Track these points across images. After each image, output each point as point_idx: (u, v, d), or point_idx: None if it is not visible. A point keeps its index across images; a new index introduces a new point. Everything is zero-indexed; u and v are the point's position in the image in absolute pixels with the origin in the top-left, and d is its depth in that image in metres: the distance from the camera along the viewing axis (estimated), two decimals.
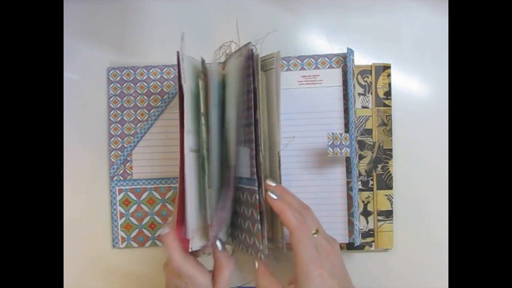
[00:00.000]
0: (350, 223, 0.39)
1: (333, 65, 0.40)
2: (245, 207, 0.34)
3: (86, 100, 0.43)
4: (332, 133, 0.37)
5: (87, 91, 0.43)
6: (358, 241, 0.38)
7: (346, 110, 0.39)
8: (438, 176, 0.40)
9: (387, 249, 0.40)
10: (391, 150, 0.40)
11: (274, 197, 0.32)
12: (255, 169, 0.32)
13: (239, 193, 0.35)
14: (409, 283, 0.40)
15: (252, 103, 0.32)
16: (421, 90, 0.42)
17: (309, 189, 0.39)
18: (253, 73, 0.32)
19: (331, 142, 0.37)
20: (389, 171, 0.40)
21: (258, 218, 0.32)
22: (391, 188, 0.40)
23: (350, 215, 0.39)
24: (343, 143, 0.37)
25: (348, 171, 0.39)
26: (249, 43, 0.33)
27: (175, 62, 0.41)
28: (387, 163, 0.40)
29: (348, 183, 0.39)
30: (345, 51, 0.39)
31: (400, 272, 0.40)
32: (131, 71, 0.42)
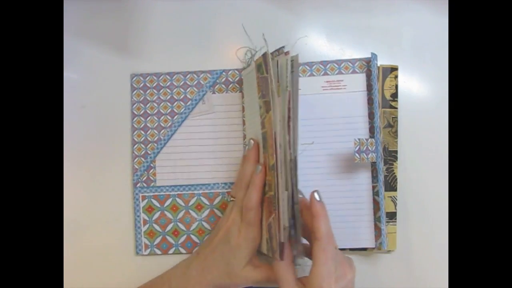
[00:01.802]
0: (377, 228, 0.39)
1: (357, 70, 0.40)
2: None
3: (86, 100, 0.43)
4: (359, 139, 0.37)
5: (87, 91, 0.43)
6: (386, 245, 0.38)
7: (370, 115, 0.39)
8: (443, 179, 0.40)
9: (390, 251, 0.40)
10: (396, 152, 0.40)
11: (318, 198, 0.32)
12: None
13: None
14: (411, 285, 0.40)
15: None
16: (421, 90, 0.41)
17: (335, 194, 0.39)
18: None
19: (357, 148, 0.37)
20: (394, 173, 0.40)
21: (292, 223, 0.32)
22: (396, 190, 0.40)
23: (377, 219, 0.39)
24: (369, 148, 0.37)
25: (374, 176, 0.39)
26: (283, 46, 0.34)
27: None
28: (392, 165, 0.40)
29: (373, 187, 0.39)
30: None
31: (403, 274, 0.40)
32: (154, 77, 0.42)
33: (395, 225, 0.39)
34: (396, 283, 0.40)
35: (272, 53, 0.37)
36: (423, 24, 0.42)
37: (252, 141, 0.37)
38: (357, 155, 0.37)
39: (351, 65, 0.40)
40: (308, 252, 0.33)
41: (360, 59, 0.40)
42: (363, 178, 0.39)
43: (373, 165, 0.39)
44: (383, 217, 0.38)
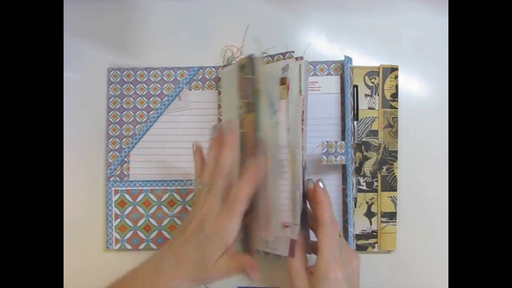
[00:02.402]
0: (345, 229, 0.39)
1: (332, 72, 0.41)
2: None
3: (86, 100, 0.43)
4: (327, 142, 0.37)
5: (87, 91, 0.43)
6: (353, 247, 0.39)
7: (343, 118, 0.40)
8: (443, 179, 0.40)
9: (390, 250, 0.40)
10: (396, 152, 0.40)
11: (323, 186, 0.33)
12: None
13: None
14: (411, 284, 0.40)
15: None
16: (421, 90, 0.42)
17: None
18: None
19: (325, 150, 0.37)
20: (394, 173, 0.40)
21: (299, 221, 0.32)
22: (396, 190, 0.40)
23: (345, 221, 0.39)
24: (338, 151, 0.38)
25: (344, 178, 0.39)
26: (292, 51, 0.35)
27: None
28: (392, 165, 0.40)
29: (343, 190, 0.40)
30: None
31: (403, 273, 0.40)
32: (132, 72, 0.42)
33: (395, 225, 0.40)
34: (395, 283, 0.40)
35: (275, 55, 0.37)
36: (423, 24, 0.42)
37: (229, 123, 0.35)
38: (324, 157, 0.37)
39: (326, 67, 0.41)
40: (314, 248, 0.33)
41: (335, 62, 0.41)
42: (334, 180, 0.40)
43: (344, 167, 0.39)
44: (351, 219, 0.39)
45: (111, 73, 0.43)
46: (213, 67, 0.42)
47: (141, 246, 0.41)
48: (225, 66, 0.42)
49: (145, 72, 0.42)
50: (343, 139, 0.39)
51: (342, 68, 0.41)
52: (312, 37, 0.42)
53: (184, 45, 0.43)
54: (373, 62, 0.41)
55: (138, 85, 0.42)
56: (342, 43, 0.42)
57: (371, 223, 0.40)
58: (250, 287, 0.41)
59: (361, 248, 0.40)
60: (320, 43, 0.42)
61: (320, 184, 0.33)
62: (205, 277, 0.32)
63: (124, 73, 0.43)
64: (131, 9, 0.44)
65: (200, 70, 0.42)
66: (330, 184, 0.40)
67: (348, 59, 0.40)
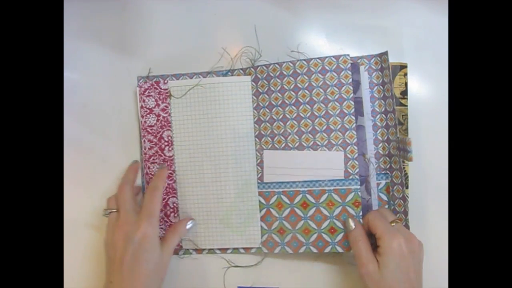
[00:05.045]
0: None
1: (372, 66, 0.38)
2: (325, 207, 0.38)
3: (86, 100, 0.43)
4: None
5: (87, 91, 0.43)
6: None
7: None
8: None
9: None
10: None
11: (353, 225, 0.37)
12: (356, 170, 0.38)
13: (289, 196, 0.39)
14: (425, 283, 0.39)
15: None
16: (421, 90, 0.41)
17: None
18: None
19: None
20: (405, 171, 0.40)
21: (360, 214, 0.37)
22: (407, 188, 0.40)
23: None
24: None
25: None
26: (347, 55, 0.36)
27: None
28: (403, 162, 0.40)
29: (377, 185, 0.40)
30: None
31: None
32: (161, 79, 0.42)
33: (408, 223, 0.40)
34: None
35: (326, 58, 0.37)
36: (423, 24, 0.41)
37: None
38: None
39: (366, 61, 0.38)
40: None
41: (375, 56, 0.37)
42: None
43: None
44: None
45: (141, 81, 0.42)
46: (241, 69, 0.41)
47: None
48: (250, 68, 0.40)
49: (174, 78, 0.41)
50: None
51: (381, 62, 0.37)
52: (312, 37, 0.41)
53: (185, 45, 0.43)
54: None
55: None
56: (342, 43, 0.41)
57: None
58: (250, 287, 0.41)
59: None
60: (320, 43, 0.41)
61: (351, 223, 0.37)
62: (162, 264, 0.36)
63: (154, 80, 0.42)
64: (131, 9, 0.43)
65: (229, 73, 0.40)
66: None
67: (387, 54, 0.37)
